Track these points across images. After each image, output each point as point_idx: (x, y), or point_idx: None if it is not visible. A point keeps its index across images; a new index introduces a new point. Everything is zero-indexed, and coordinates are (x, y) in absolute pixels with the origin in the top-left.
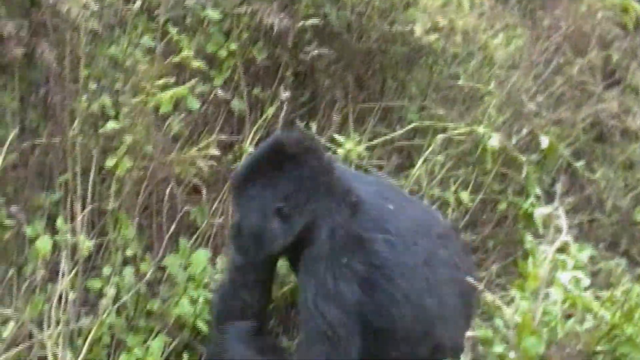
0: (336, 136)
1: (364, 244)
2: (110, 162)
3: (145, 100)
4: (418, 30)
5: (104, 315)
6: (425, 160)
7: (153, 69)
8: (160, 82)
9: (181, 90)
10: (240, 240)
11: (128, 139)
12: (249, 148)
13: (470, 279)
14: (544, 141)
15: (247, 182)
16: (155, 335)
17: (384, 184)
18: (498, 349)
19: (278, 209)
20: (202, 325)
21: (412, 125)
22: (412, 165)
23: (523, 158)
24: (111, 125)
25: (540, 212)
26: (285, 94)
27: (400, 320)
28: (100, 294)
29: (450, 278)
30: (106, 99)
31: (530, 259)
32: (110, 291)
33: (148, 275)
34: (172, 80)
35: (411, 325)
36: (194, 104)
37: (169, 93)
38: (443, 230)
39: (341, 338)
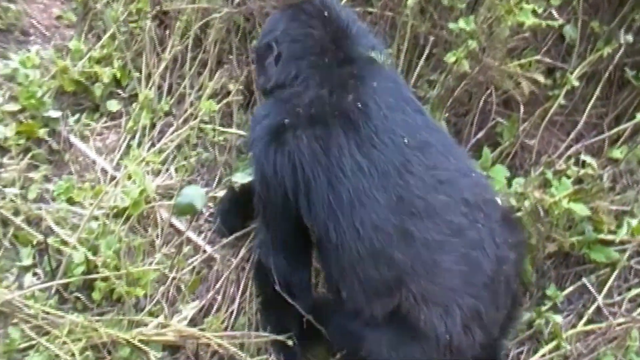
0: None
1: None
2: (450, 59)
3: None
4: None
5: None
6: None
7: None
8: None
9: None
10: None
11: (472, 43)
12: (573, 80)
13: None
14: None
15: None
16: None
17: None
18: None
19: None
20: None
21: None
22: None
23: None
24: (461, 24)
25: None
26: (627, 37)
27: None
28: None
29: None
30: None
31: None
32: None
33: None
34: None
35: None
36: (528, 17)
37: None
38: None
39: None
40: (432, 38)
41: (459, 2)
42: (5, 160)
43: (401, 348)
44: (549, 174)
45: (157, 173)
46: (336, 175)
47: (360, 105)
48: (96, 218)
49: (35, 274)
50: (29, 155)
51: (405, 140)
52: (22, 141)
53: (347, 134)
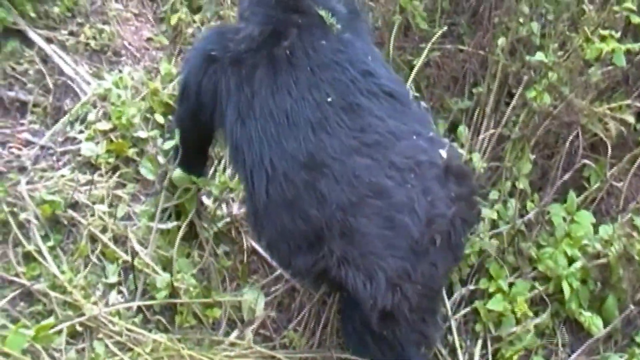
0: None
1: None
2: (530, 94)
3: (580, 44)
4: None
5: (477, 239)
6: None
7: (597, 16)
8: (604, 32)
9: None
10: None
11: (553, 76)
12: None
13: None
14: None
15: None
16: (519, 276)
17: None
18: None
19: None
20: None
21: None
22: None
23: None
24: (539, 56)
25: None
26: None
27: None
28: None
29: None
30: (534, 26)
31: None
32: (491, 216)
33: (531, 215)
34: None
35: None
36: (621, 60)
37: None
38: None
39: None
40: (522, 77)
41: (550, 42)
42: (95, 177)
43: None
44: (638, 221)
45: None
46: (247, 113)
47: (288, 53)
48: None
49: (120, 292)
50: (118, 173)
51: (329, 99)
52: (112, 159)
53: (267, 76)
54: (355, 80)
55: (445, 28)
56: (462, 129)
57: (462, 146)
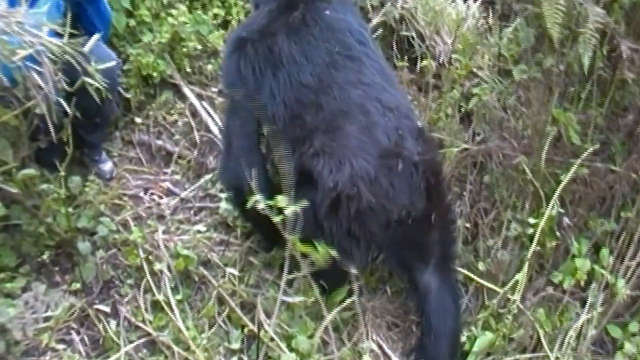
0: None
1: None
2: None
3: None
4: None
5: None
6: None
7: None
8: None
9: None
10: None
11: None
12: None
13: None
14: None
15: None
16: None
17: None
18: None
19: None
20: None
21: None
22: None
23: None
24: None
25: None
26: None
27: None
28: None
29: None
30: None
31: None
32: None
33: None
34: None
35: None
36: None
37: None
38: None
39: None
40: None
41: None
42: (231, 239)
43: (301, 188)
44: None
45: None
46: (278, 66)
47: (301, 18)
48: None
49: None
50: (252, 238)
51: (337, 49)
52: (248, 224)
53: (289, 37)
54: (355, 44)
55: (597, 145)
56: (606, 252)
57: (602, 268)
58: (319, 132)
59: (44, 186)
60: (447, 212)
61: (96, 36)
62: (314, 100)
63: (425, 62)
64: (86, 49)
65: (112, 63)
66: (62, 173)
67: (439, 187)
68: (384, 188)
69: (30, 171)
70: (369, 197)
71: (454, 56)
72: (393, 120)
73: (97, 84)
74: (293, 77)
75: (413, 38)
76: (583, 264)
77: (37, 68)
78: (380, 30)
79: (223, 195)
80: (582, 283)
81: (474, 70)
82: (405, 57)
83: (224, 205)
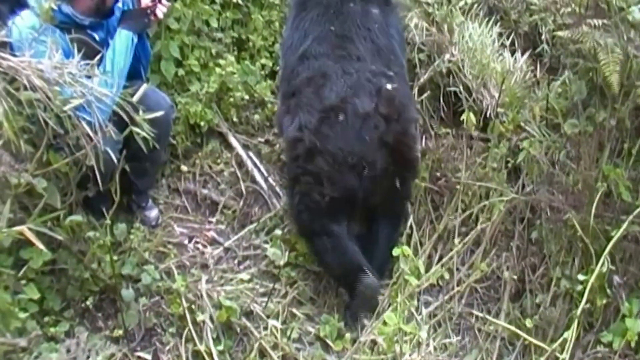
0: None
1: None
2: None
3: None
4: None
5: None
6: None
7: None
8: None
9: None
10: None
11: None
12: None
13: None
14: None
15: None
16: None
17: None
18: None
19: None
20: None
21: None
22: None
23: None
24: None
25: None
26: None
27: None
28: None
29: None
30: None
31: None
32: None
33: None
34: None
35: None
36: None
37: None
38: None
39: None
40: None
41: None
42: (276, 286)
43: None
44: None
45: (417, 345)
46: (311, 30)
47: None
48: None
49: None
50: (296, 287)
51: (358, 28)
52: (293, 273)
53: (323, 16)
54: (373, 30)
55: None
56: None
57: None
58: (290, 95)
59: (90, 233)
60: (408, 167)
61: (145, 85)
62: (299, 68)
63: (471, 116)
64: (135, 98)
65: (167, 108)
66: (108, 221)
67: (399, 142)
68: (325, 134)
69: (77, 217)
70: (312, 140)
71: (501, 110)
72: (350, 82)
73: (144, 133)
74: (320, 42)
75: (460, 92)
76: (634, 325)
77: (88, 118)
78: (427, 86)
79: (268, 246)
80: (633, 344)
81: (522, 124)
82: (451, 111)
83: (271, 250)
